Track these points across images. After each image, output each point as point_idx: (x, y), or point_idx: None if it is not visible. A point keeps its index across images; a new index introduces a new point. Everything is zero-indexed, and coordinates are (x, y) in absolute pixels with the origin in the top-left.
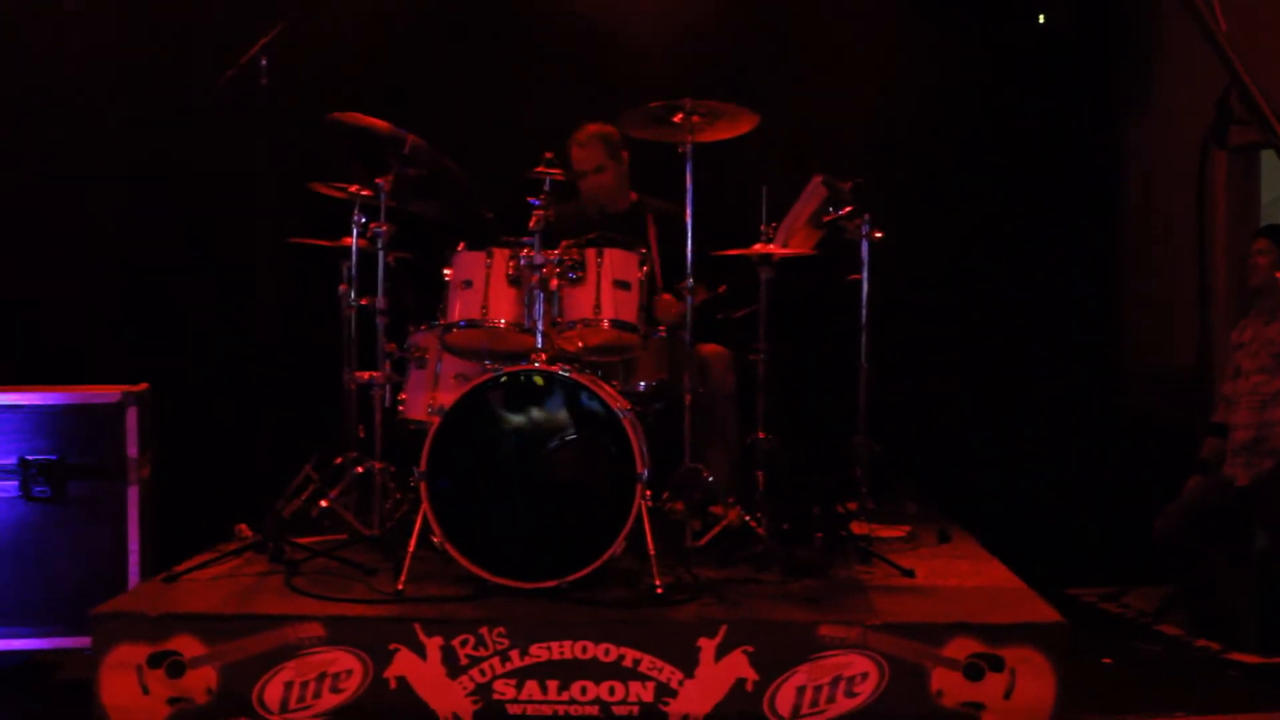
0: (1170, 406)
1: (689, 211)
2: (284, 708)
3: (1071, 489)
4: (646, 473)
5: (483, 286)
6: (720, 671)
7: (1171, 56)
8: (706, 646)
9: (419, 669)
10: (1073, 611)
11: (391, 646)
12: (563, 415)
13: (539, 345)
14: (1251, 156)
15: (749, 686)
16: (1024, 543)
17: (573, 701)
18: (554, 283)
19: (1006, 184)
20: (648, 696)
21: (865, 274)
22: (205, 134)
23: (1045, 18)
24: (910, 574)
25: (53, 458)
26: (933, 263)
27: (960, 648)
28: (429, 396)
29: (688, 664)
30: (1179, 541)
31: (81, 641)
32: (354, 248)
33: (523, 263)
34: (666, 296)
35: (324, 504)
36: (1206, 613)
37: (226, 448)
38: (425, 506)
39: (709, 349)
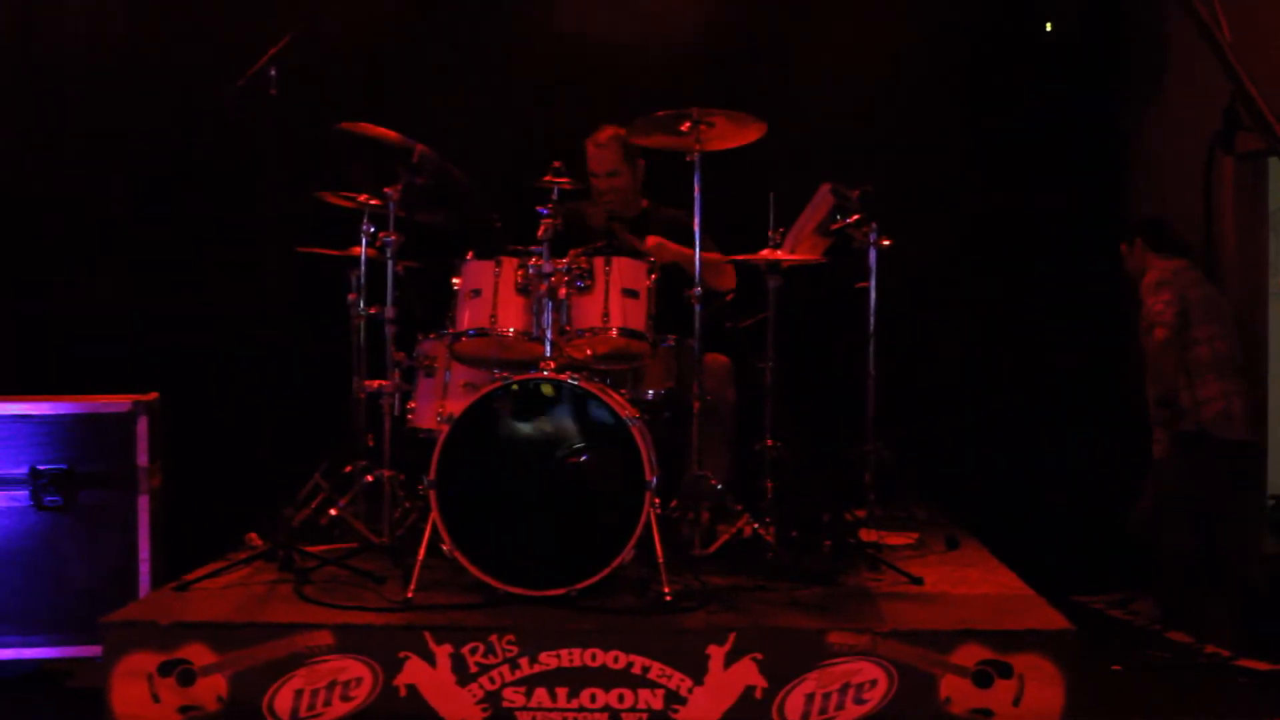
0: None
1: (697, 221)
2: (294, 716)
3: (1080, 496)
4: (655, 480)
5: (491, 295)
6: (729, 679)
7: (1179, 62)
8: (716, 654)
9: (429, 677)
10: (1081, 618)
11: (401, 654)
12: (571, 424)
13: (547, 354)
14: (1259, 163)
15: (758, 694)
16: (1033, 549)
17: (582, 709)
18: (562, 291)
19: (1014, 190)
20: (657, 704)
21: (873, 281)
22: (213, 142)
23: (1053, 25)
24: (919, 581)
25: (63, 467)
26: (940, 269)
27: (969, 655)
28: (438, 405)
29: (697, 671)
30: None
31: (93, 650)
32: (363, 257)
33: (531, 271)
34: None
35: (333, 512)
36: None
37: (236, 456)
38: (434, 515)
39: (710, 358)
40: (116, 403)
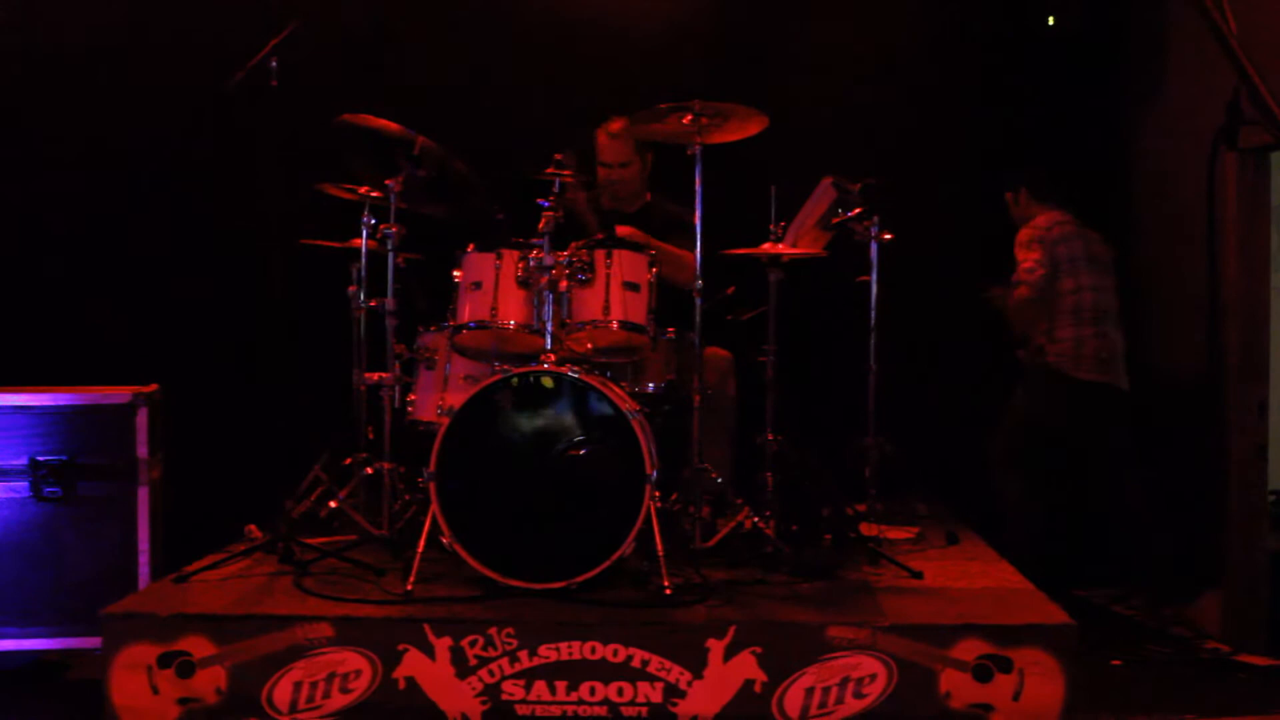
0: (1180, 408)
1: (698, 215)
2: (293, 708)
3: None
4: (655, 474)
5: (492, 288)
6: (729, 672)
7: (1181, 58)
8: (715, 647)
9: (428, 669)
10: (1082, 613)
11: (400, 647)
12: (572, 417)
13: (548, 346)
14: (1262, 157)
15: (758, 687)
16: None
17: (581, 702)
18: (563, 284)
19: (1016, 184)
20: (656, 697)
21: (874, 275)
22: (214, 134)
23: (1055, 19)
24: (919, 575)
25: (63, 458)
26: (942, 263)
27: (969, 649)
28: (438, 397)
29: (696, 665)
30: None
31: (92, 642)
32: (363, 249)
33: (532, 264)
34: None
35: (333, 505)
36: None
37: (236, 448)
38: (434, 507)
39: (710, 352)
40: (117, 394)
